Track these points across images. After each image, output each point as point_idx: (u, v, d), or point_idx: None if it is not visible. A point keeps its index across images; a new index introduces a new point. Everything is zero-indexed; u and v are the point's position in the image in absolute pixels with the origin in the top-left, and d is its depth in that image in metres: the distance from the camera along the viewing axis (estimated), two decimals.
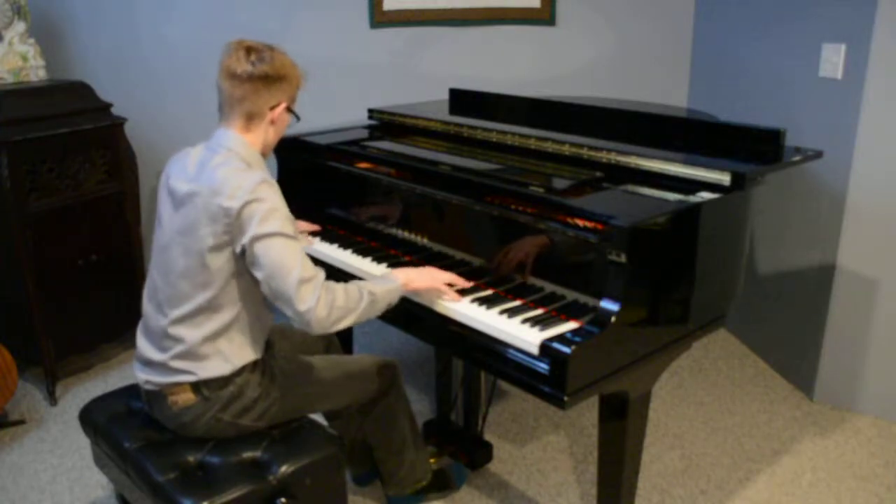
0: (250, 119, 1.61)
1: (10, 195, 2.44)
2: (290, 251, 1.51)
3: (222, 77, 1.59)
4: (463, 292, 1.73)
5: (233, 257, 1.55)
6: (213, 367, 1.60)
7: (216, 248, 1.53)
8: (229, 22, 3.02)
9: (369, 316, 1.61)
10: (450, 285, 1.72)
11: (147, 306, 1.67)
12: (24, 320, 2.60)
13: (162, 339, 1.61)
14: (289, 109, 1.67)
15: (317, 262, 2.02)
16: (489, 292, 1.73)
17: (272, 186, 1.54)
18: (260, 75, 1.58)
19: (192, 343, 1.58)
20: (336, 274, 1.97)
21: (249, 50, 1.58)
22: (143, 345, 1.67)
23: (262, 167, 1.63)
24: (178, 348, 1.59)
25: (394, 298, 1.65)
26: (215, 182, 1.53)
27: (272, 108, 1.62)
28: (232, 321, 1.59)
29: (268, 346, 1.78)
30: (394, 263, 1.92)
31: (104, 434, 1.74)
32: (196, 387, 1.60)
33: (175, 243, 1.58)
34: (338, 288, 1.56)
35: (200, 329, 1.58)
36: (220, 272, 1.55)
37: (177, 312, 1.58)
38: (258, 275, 1.53)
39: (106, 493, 2.20)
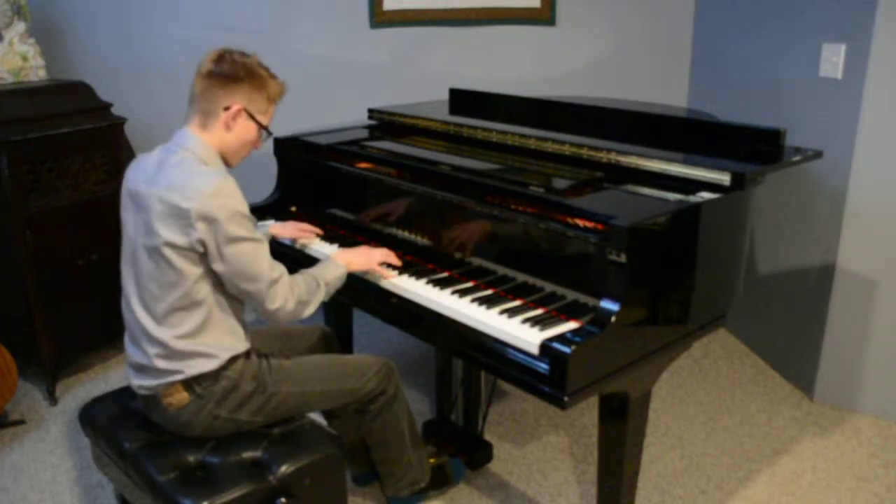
0: (206, 117, 1.62)
1: (10, 195, 2.44)
2: (257, 255, 1.56)
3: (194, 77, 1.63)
4: (464, 292, 1.73)
5: (196, 257, 1.54)
6: (200, 364, 1.60)
7: (177, 248, 1.52)
8: (229, 22, 3.02)
9: (324, 301, 1.72)
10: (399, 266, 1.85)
11: (125, 312, 1.67)
12: (24, 320, 2.60)
13: (143, 342, 1.61)
14: (252, 118, 1.65)
15: (317, 262, 2.02)
16: (489, 292, 1.74)
17: (230, 185, 1.54)
18: (218, 73, 1.60)
19: (171, 343, 1.58)
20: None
21: (222, 52, 1.63)
22: (131, 351, 1.67)
23: (219, 166, 1.64)
24: (160, 350, 1.59)
25: (341, 283, 1.78)
26: (172, 182, 1.53)
27: (226, 109, 1.61)
28: (207, 317, 1.59)
29: (266, 345, 1.78)
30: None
31: (104, 434, 1.74)
32: (188, 385, 1.61)
33: (139, 246, 1.58)
34: (299, 281, 1.66)
35: (177, 328, 1.58)
36: (186, 272, 1.54)
37: (151, 314, 1.59)
38: (226, 277, 1.56)
39: (106, 493, 2.20)
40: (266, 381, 1.68)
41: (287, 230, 2.12)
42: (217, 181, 1.52)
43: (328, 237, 2.13)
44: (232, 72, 1.60)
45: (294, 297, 1.63)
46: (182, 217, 1.50)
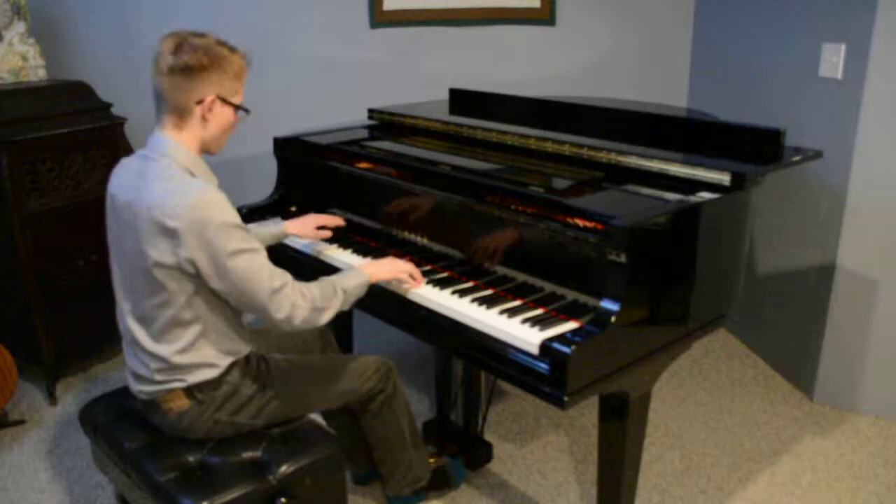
0: (179, 117, 1.52)
1: (10, 195, 2.44)
2: (254, 266, 1.48)
3: (152, 73, 1.51)
4: (463, 292, 1.73)
5: (187, 276, 1.48)
6: (201, 373, 1.58)
7: (165, 267, 1.46)
8: (229, 22, 3.02)
9: (342, 310, 1.64)
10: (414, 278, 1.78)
11: (120, 325, 1.64)
12: (24, 320, 2.60)
13: (142, 356, 1.59)
14: (227, 102, 1.54)
15: (317, 262, 2.03)
16: (489, 292, 1.74)
17: (216, 196, 1.45)
18: (180, 67, 1.47)
19: (171, 358, 1.55)
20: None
21: (175, 41, 1.49)
22: (130, 360, 1.65)
23: (203, 171, 1.56)
24: (159, 364, 1.56)
25: (362, 292, 1.70)
26: (156, 198, 1.44)
27: (199, 103, 1.51)
28: (204, 329, 1.55)
29: (264, 344, 1.77)
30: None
31: (104, 434, 1.74)
32: (188, 391, 1.59)
33: (127, 263, 1.54)
34: (312, 287, 1.58)
35: (175, 343, 1.54)
36: (178, 290, 1.49)
37: (147, 331, 1.55)
38: (225, 293, 1.50)
39: (106, 493, 2.20)
40: (265, 384, 1.67)
41: (305, 228, 2.02)
42: (202, 194, 1.44)
43: (338, 241, 2.13)
44: (195, 62, 1.47)
45: (306, 303, 1.54)
46: (169, 237, 1.43)
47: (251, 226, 2.00)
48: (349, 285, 1.66)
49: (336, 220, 2.07)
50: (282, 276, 1.53)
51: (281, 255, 2.09)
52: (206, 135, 1.56)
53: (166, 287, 1.49)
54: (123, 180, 1.56)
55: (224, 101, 1.54)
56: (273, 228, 2.01)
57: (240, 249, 1.46)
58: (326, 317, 1.60)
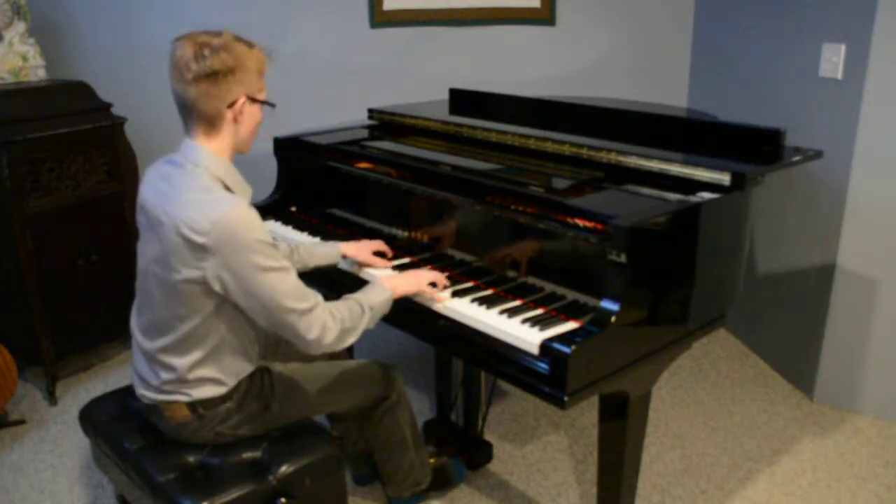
0: (210, 124, 1.48)
1: (10, 195, 2.44)
2: (282, 285, 1.44)
3: (173, 81, 1.46)
4: (463, 292, 1.73)
5: (211, 291, 1.45)
6: (207, 390, 1.56)
7: (190, 282, 1.43)
8: (229, 22, 2.98)
9: (369, 328, 1.60)
10: (435, 284, 1.72)
11: (134, 329, 1.62)
12: (24, 320, 2.60)
13: (151, 363, 1.57)
14: (254, 100, 1.52)
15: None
16: (489, 292, 1.73)
17: (243, 211, 1.42)
18: (207, 73, 1.42)
19: (181, 370, 1.53)
20: (336, 275, 1.97)
21: (194, 46, 1.43)
22: (138, 362, 1.63)
23: (236, 181, 1.53)
24: (168, 375, 1.55)
25: (387, 308, 1.65)
26: (181, 209, 1.42)
27: (230, 106, 1.48)
28: (219, 345, 1.53)
29: (266, 356, 1.76)
30: (393, 263, 1.92)
31: (104, 434, 1.74)
32: (191, 406, 1.57)
33: (151, 272, 1.51)
34: (341, 307, 1.55)
35: (188, 357, 1.52)
36: (199, 305, 1.47)
37: (162, 341, 1.53)
38: (252, 311, 1.47)
39: (106, 493, 2.20)
40: (269, 399, 1.65)
41: (361, 252, 1.91)
42: (230, 210, 1.40)
43: (328, 237, 2.13)
44: (221, 65, 1.43)
45: (336, 324, 1.51)
46: (196, 251, 1.40)
47: (310, 243, 1.98)
48: (375, 302, 1.61)
49: (387, 250, 1.97)
50: (312, 297, 1.49)
51: None
52: (239, 137, 1.53)
53: (189, 300, 1.46)
54: (154, 183, 1.53)
55: (252, 99, 1.52)
56: (329, 249, 1.93)
57: (268, 267, 1.42)
58: (354, 337, 1.56)
